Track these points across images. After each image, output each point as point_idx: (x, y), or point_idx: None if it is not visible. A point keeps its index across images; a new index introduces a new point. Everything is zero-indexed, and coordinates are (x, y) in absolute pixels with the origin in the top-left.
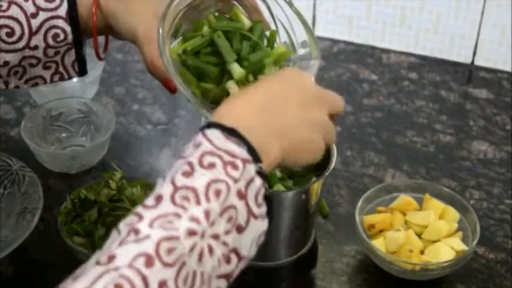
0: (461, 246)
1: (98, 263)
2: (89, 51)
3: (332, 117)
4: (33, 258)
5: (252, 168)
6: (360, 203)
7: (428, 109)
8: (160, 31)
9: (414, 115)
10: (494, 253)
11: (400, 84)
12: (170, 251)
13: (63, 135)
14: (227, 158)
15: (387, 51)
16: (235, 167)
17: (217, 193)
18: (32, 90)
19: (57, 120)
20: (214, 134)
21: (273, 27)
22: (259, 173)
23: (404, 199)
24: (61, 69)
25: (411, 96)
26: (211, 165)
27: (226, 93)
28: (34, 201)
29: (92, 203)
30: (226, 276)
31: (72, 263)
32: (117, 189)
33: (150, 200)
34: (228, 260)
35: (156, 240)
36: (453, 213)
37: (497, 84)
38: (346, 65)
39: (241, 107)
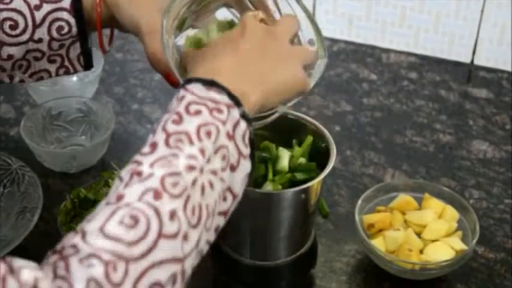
0: (461, 246)
1: (107, 203)
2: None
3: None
4: (33, 257)
5: (235, 112)
6: (359, 202)
7: (428, 109)
8: (164, 23)
9: (414, 115)
10: (494, 253)
11: (399, 84)
12: (175, 184)
13: (63, 134)
14: (211, 104)
15: (387, 50)
16: (220, 111)
17: (208, 134)
18: (31, 90)
19: (57, 119)
20: (194, 85)
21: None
22: (243, 116)
23: (404, 198)
24: (66, 62)
25: (411, 95)
26: (198, 112)
27: None
28: (34, 200)
29: (92, 202)
30: (224, 213)
31: None
32: None
33: (145, 148)
34: (224, 198)
35: (160, 176)
36: (453, 213)
37: (497, 83)
38: (346, 64)
39: (213, 62)
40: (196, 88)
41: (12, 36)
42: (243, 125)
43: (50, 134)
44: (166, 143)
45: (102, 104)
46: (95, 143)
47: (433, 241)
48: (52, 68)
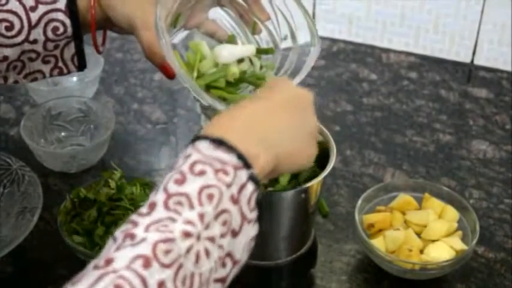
0: (461, 246)
1: (95, 267)
2: (88, 50)
3: None
4: (33, 257)
5: (243, 174)
6: (359, 202)
7: (428, 108)
8: (158, 13)
9: (414, 114)
10: (494, 252)
11: (399, 84)
12: (167, 252)
13: (63, 134)
14: (217, 165)
15: (387, 50)
16: (226, 173)
17: (210, 197)
18: (31, 90)
19: (57, 119)
20: (202, 145)
21: (272, 16)
22: (251, 178)
23: (404, 198)
24: (60, 63)
25: (411, 95)
26: (202, 172)
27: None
28: (34, 200)
29: (92, 202)
30: (222, 281)
31: (72, 262)
32: (116, 188)
33: (144, 208)
34: (223, 264)
35: (153, 242)
36: (453, 213)
37: (497, 83)
38: (346, 64)
39: (228, 120)
40: (204, 146)
41: (7, 37)
42: (250, 187)
43: (50, 134)
44: (165, 205)
45: (102, 104)
46: (95, 143)
47: (433, 241)
48: (46, 68)
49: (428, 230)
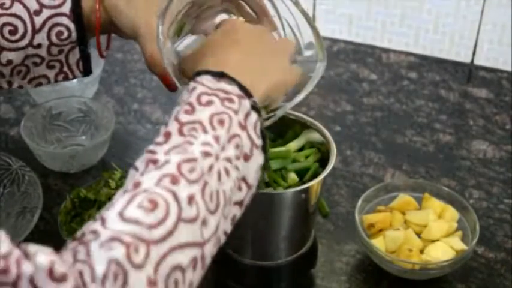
0: (461, 246)
1: (125, 191)
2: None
3: None
4: None
5: (246, 103)
6: (359, 202)
7: (428, 108)
8: (160, 28)
9: (414, 114)
10: (494, 252)
11: (399, 84)
12: (192, 170)
13: (63, 134)
14: (222, 95)
15: (387, 50)
16: (231, 101)
17: (221, 122)
18: (31, 90)
19: (57, 119)
20: (205, 77)
21: (279, 27)
22: (253, 107)
23: (404, 198)
24: (65, 68)
25: (411, 95)
26: (210, 102)
27: None
28: (34, 200)
29: (92, 202)
30: (239, 204)
31: None
32: (116, 188)
33: (159, 138)
34: (239, 187)
35: (176, 162)
36: (453, 213)
37: (497, 83)
38: (346, 64)
39: (221, 56)
40: (206, 80)
41: (11, 41)
42: (253, 115)
43: (50, 134)
44: (180, 132)
45: (102, 104)
46: (95, 143)
47: (433, 241)
48: (51, 73)
49: (429, 230)
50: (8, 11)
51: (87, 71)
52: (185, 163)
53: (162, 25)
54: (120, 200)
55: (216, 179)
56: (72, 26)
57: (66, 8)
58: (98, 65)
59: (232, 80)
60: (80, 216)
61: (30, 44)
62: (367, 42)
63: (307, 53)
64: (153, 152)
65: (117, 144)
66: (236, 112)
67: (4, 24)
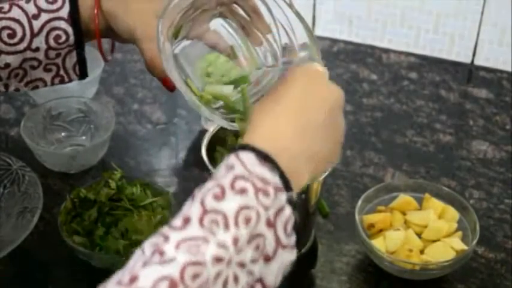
0: (461, 246)
1: (119, 283)
2: (87, 50)
3: None
4: (33, 257)
5: (283, 197)
6: (359, 202)
7: (428, 109)
8: (160, 28)
9: (414, 115)
10: (494, 253)
11: (400, 84)
12: (195, 276)
13: (63, 134)
14: (259, 184)
15: (387, 50)
16: (266, 194)
17: (247, 220)
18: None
19: (57, 119)
20: (247, 156)
21: (273, 29)
22: (289, 201)
23: (404, 199)
24: (62, 72)
25: (411, 95)
26: (243, 191)
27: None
28: (34, 200)
29: (92, 202)
30: None
31: (72, 263)
32: (116, 188)
33: (177, 221)
34: None
35: (182, 264)
36: (453, 213)
37: (497, 84)
38: (346, 64)
39: (273, 127)
40: (248, 159)
41: (10, 44)
42: (287, 211)
43: (50, 134)
44: (200, 222)
45: (102, 104)
46: (95, 143)
47: (434, 241)
48: (47, 77)
49: (429, 230)
50: (7, 15)
51: (83, 75)
52: (191, 266)
53: (162, 26)
54: None
55: (220, 287)
56: (70, 29)
57: (64, 12)
58: (98, 66)
59: (275, 166)
60: (80, 217)
61: (28, 48)
62: (367, 43)
63: (302, 53)
64: (165, 237)
65: (117, 144)
66: (267, 208)
67: (3, 28)
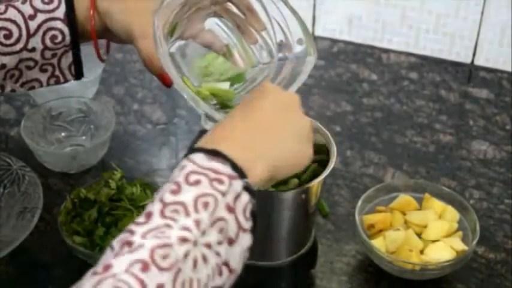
0: (461, 246)
1: (94, 273)
2: (89, 51)
3: None
4: (33, 257)
5: (238, 184)
6: (359, 202)
7: (428, 109)
8: (156, 23)
9: (414, 115)
10: (494, 253)
11: (400, 84)
12: (165, 256)
13: (63, 134)
14: (212, 175)
15: (387, 51)
16: (221, 182)
17: (206, 205)
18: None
19: (57, 119)
20: (197, 156)
21: (268, 26)
22: (247, 188)
23: (404, 199)
24: (57, 72)
25: (411, 96)
26: (197, 182)
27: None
28: (34, 200)
29: (92, 202)
30: None
31: (72, 263)
32: (116, 188)
33: (140, 218)
34: (220, 272)
35: (150, 247)
36: (453, 213)
37: (497, 84)
38: (346, 64)
39: (222, 131)
40: (199, 158)
41: (6, 45)
42: (244, 197)
43: (50, 134)
44: (162, 214)
45: (102, 104)
46: (95, 143)
47: (434, 241)
48: (43, 77)
49: (429, 231)
50: (3, 16)
51: (78, 75)
52: (159, 249)
53: (158, 23)
54: (86, 285)
55: (191, 266)
56: (66, 30)
57: (61, 13)
58: (98, 66)
59: (226, 159)
60: (80, 217)
61: (24, 48)
62: (367, 43)
63: (298, 48)
64: (131, 232)
65: (117, 144)
66: (224, 194)
67: None
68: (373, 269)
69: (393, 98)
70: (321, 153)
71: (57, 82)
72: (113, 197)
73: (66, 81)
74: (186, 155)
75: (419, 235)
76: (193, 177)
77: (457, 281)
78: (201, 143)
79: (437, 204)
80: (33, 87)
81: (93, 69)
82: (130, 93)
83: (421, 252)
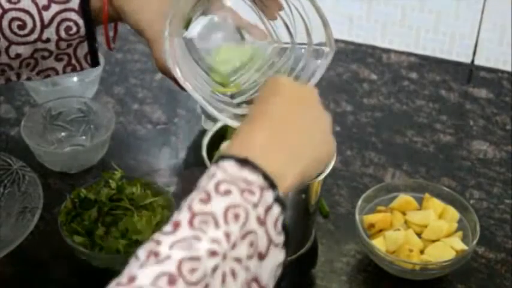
0: (461, 246)
1: (118, 284)
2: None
3: None
4: (33, 257)
5: (269, 195)
6: (359, 202)
7: (428, 109)
8: (166, 33)
9: (414, 115)
10: (494, 253)
11: (400, 84)
12: (193, 270)
13: (63, 134)
14: (243, 185)
15: (387, 50)
16: (252, 193)
17: (236, 217)
18: (31, 90)
19: (57, 119)
20: (227, 164)
21: (288, 11)
22: (277, 200)
23: (404, 199)
24: (73, 61)
25: (411, 95)
26: (228, 192)
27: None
28: (34, 200)
29: (92, 202)
30: None
31: (72, 263)
32: (117, 188)
33: (167, 227)
34: None
35: (178, 260)
36: (453, 213)
37: (497, 84)
38: (346, 64)
39: (250, 136)
40: (229, 165)
41: (20, 36)
42: (276, 209)
43: (50, 134)
44: (190, 224)
45: (102, 104)
46: (95, 143)
47: (434, 241)
48: (59, 66)
49: (429, 230)
50: (17, 6)
51: (94, 63)
52: (187, 262)
53: (169, 29)
54: None
55: (219, 281)
56: (81, 21)
57: (75, 3)
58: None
59: (256, 169)
60: (80, 216)
61: (39, 39)
62: (367, 43)
63: (316, 41)
64: (157, 242)
65: (117, 144)
66: (255, 206)
67: (13, 19)
68: (373, 269)
69: (393, 98)
70: None
71: (74, 70)
72: (113, 196)
73: (82, 69)
74: (215, 162)
75: (419, 235)
76: (223, 187)
77: (457, 281)
78: (229, 150)
79: (437, 204)
80: (49, 76)
81: (93, 69)
82: (130, 93)
83: (421, 252)
